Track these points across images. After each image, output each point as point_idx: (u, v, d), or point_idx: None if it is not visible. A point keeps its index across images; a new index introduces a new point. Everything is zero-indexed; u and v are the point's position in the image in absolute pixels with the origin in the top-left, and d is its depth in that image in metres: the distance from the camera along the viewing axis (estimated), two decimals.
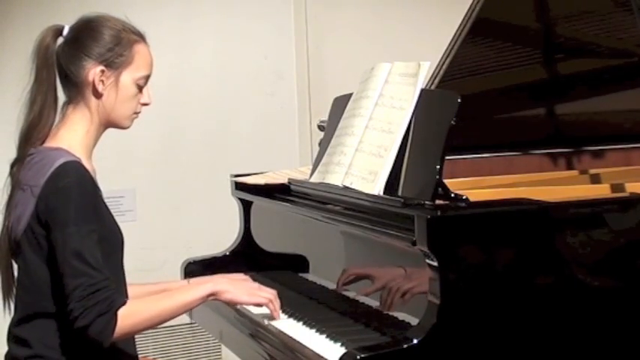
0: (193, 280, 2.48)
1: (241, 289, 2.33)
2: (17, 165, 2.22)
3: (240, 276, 2.52)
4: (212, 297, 2.28)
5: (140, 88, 2.26)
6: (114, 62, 2.21)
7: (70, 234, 2.07)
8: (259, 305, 2.36)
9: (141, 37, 2.27)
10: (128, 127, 2.29)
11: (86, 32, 2.22)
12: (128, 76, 2.23)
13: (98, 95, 2.22)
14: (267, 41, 4.55)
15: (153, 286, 2.45)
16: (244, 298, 2.33)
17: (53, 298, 2.14)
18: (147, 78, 2.27)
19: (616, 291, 2.13)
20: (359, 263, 2.41)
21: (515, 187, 2.61)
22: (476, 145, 2.93)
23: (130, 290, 2.28)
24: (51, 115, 2.23)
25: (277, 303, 2.37)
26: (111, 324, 2.06)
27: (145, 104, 2.29)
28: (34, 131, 2.22)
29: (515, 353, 2.03)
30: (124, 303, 2.09)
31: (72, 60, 2.21)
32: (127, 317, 2.08)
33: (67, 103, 2.25)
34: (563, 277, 2.08)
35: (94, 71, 2.20)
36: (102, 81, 2.20)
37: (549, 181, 2.79)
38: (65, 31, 2.24)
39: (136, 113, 2.29)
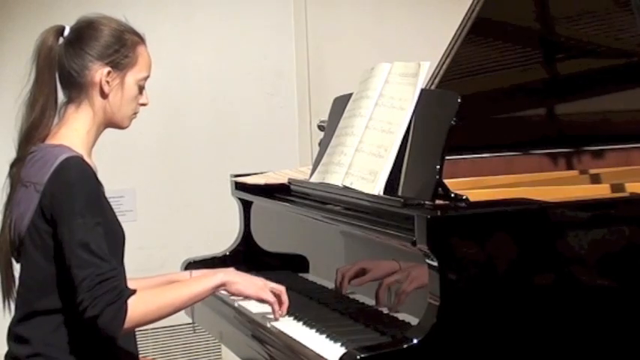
0: (195, 272, 2.48)
1: (250, 283, 2.33)
2: (17, 165, 2.22)
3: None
4: (222, 287, 2.28)
5: (141, 89, 2.27)
6: (120, 63, 2.22)
7: (76, 226, 2.07)
8: (265, 302, 2.35)
9: (141, 39, 2.28)
10: (127, 127, 2.30)
11: (90, 33, 2.22)
12: (132, 77, 2.25)
13: (104, 96, 2.22)
14: (267, 41, 4.55)
15: (159, 279, 2.46)
16: (252, 293, 2.32)
17: (55, 295, 2.13)
18: (147, 79, 2.28)
19: (616, 291, 2.13)
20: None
21: (515, 187, 2.60)
22: (476, 145, 2.93)
23: (135, 284, 2.25)
24: (52, 115, 2.24)
25: (285, 299, 2.36)
26: (121, 313, 2.05)
27: (144, 104, 2.31)
28: (36, 131, 2.22)
29: (515, 353, 2.03)
30: (133, 292, 2.09)
31: (76, 60, 2.21)
32: (136, 307, 2.07)
33: (67, 103, 2.25)
34: (563, 276, 2.08)
35: (100, 72, 2.20)
36: (107, 82, 2.21)
37: (549, 181, 2.79)
38: (66, 32, 2.24)
39: (135, 114, 2.30)
